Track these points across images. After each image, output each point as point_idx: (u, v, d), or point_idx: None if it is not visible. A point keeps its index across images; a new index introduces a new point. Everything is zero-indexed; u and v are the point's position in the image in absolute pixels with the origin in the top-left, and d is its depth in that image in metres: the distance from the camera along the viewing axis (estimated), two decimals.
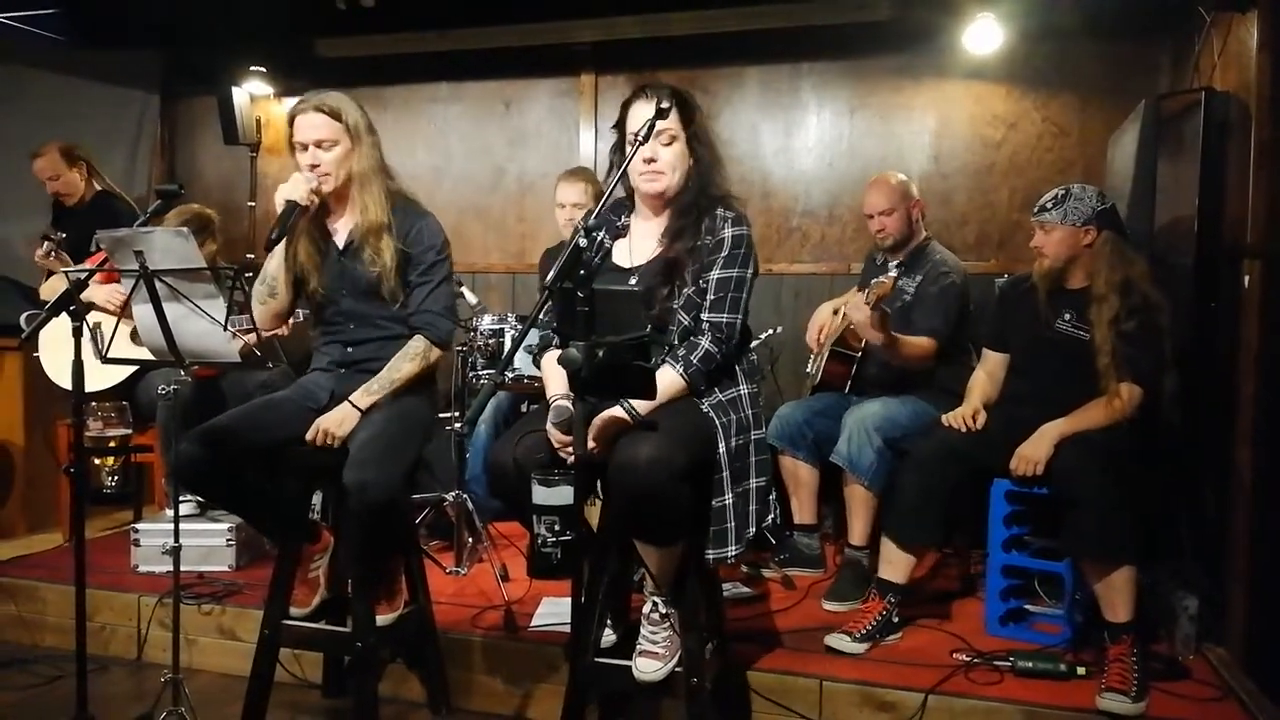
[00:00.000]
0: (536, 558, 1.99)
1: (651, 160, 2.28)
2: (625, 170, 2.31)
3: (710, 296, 2.25)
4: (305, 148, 2.52)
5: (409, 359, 2.56)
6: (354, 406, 2.50)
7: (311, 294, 2.64)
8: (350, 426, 2.48)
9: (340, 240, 2.61)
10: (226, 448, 2.39)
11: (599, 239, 2.42)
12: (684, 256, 2.27)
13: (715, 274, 2.26)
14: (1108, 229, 2.78)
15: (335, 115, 2.50)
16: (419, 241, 2.57)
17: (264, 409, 2.58)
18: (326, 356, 2.68)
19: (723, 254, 2.26)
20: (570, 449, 2.04)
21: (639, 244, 2.39)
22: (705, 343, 2.23)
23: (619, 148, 2.38)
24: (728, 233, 2.27)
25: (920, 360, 3.22)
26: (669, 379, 2.19)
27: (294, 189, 2.46)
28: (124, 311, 2.33)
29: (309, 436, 2.48)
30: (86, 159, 4.23)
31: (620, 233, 2.43)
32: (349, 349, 2.64)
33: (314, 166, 2.51)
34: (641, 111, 2.26)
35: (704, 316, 2.25)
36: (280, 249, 2.56)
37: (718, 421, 2.21)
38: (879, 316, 2.97)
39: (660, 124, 2.20)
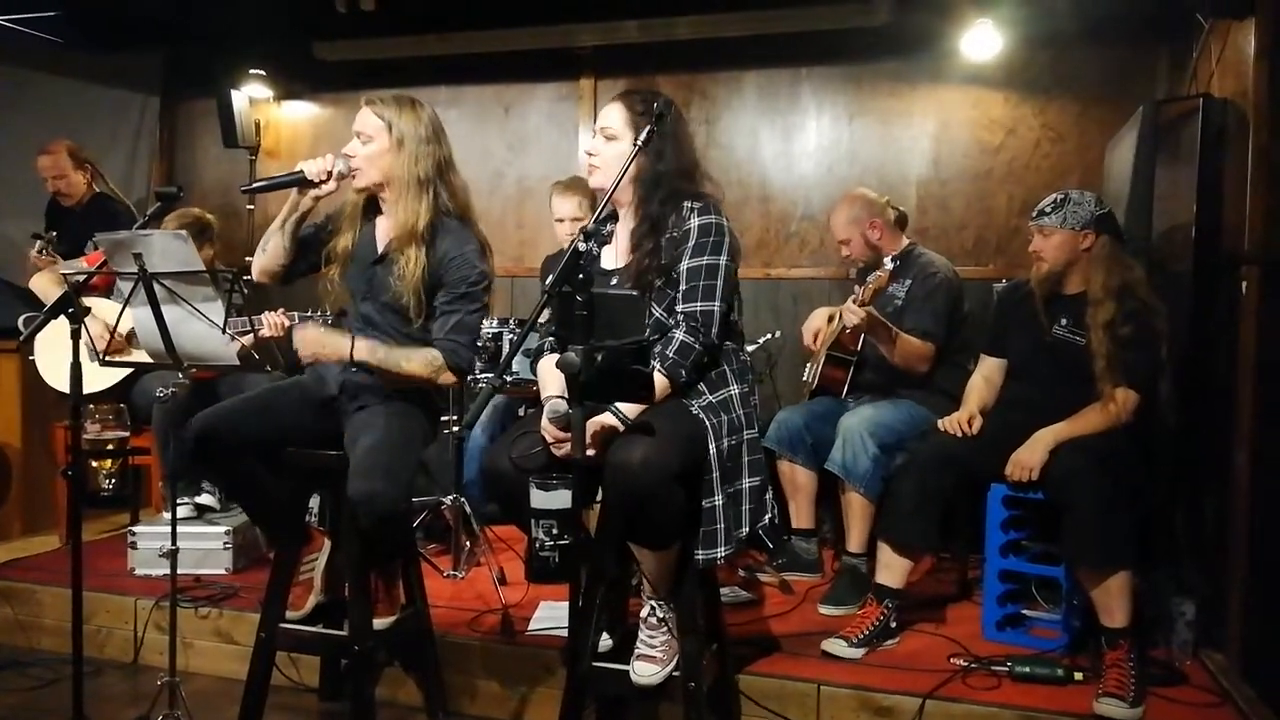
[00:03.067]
0: (534, 561, 1.99)
1: (590, 154, 2.37)
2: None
3: (682, 287, 2.25)
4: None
5: (419, 362, 2.47)
6: (350, 346, 2.44)
7: (331, 282, 2.61)
8: (330, 356, 2.46)
9: (380, 246, 2.59)
10: (235, 431, 2.39)
11: (590, 248, 2.43)
12: (648, 258, 2.28)
13: (685, 264, 2.25)
14: (1106, 234, 2.79)
15: (380, 115, 2.52)
16: (453, 269, 2.51)
17: (275, 394, 2.58)
18: None
19: (690, 243, 2.25)
20: (564, 444, 2.05)
21: (620, 246, 2.41)
22: (680, 334, 2.22)
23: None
24: (694, 222, 2.27)
25: (917, 362, 3.22)
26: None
27: (312, 162, 2.49)
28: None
29: (299, 350, 2.47)
30: (92, 162, 4.24)
31: (607, 239, 2.45)
32: None
33: (350, 156, 2.53)
34: (604, 114, 2.40)
35: (677, 308, 2.25)
36: (280, 216, 2.56)
37: (708, 423, 2.20)
38: (869, 314, 2.97)
39: (604, 123, 2.36)
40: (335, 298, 2.68)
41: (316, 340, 2.47)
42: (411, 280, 2.47)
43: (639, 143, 2.21)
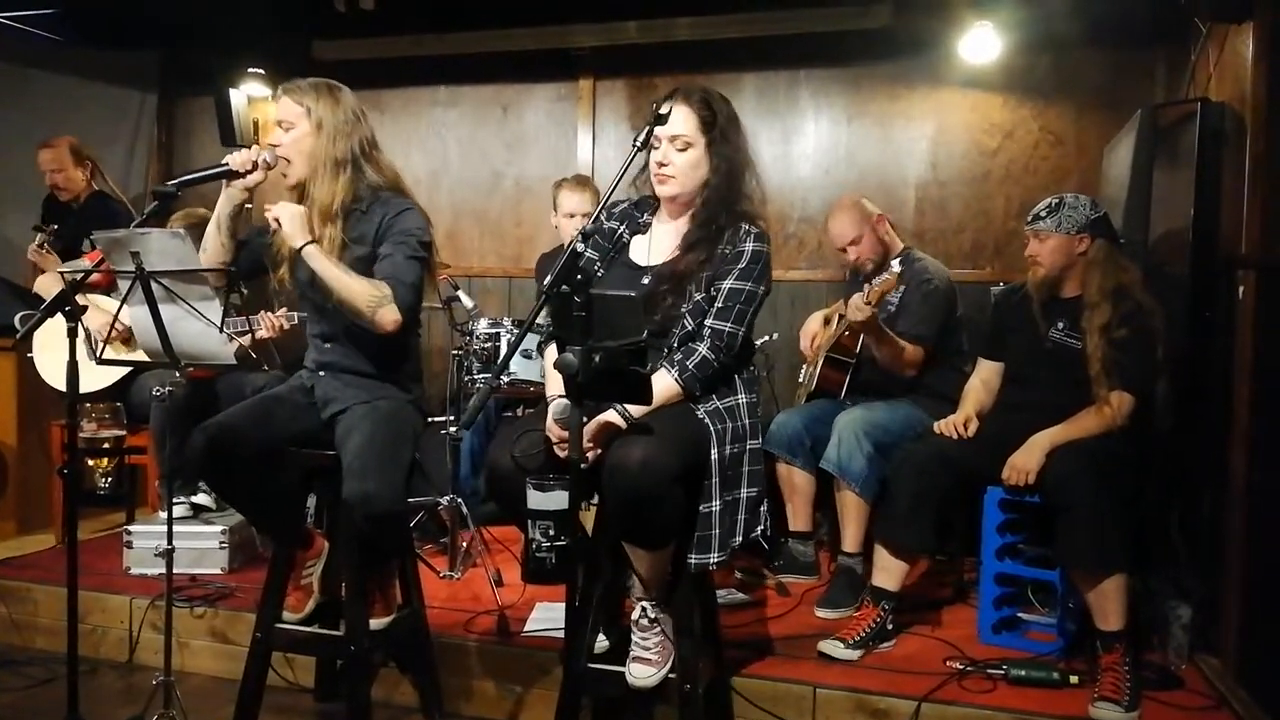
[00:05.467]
0: (530, 562, 1.99)
1: (663, 164, 2.29)
2: (648, 169, 2.33)
3: (718, 304, 2.25)
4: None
5: (364, 285, 2.38)
6: (305, 241, 2.39)
7: (281, 282, 2.60)
8: (287, 232, 2.39)
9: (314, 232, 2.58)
10: (239, 443, 2.38)
11: (618, 231, 2.42)
12: (696, 268, 2.27)
13: (728, 283, 2.25)
14: (1101, 237, 2.79)
15: (299, 101, 2.51)
16: (393, 226, 2.49)
17: (274, 403, 2.57)
18: (312, 352, 2.67)
19: (739, 265, 2.26)
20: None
21: (658, 244, 2.38)
22: (703, 349, 2.23)
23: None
24: (748, 246, 2.27)
25: (908, 366, 3.22)
26: (664, 383, 2.19)
27: (237, 154, 2.49)
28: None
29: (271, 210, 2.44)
30: (93, 159, 4.23)
31: (641, 229, 2.43)
32: (325, 344, 2.61)
33: (275, 145, 2.52)
34: (671, 113, 2.27)
35: (707, 322, 2.25)
36: (215, 214, 2.54)
37: (712, 428, 2.21)
38: (873, 318, 2.98)
39: (676, 130, 2.25)
40: (286, 296, 2.69)
41: (290, 215, 2.40)
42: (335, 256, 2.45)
43: (637, 143, 2.20)
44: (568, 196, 3.79)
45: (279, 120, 2.52)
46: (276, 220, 2.41)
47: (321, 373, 2.61)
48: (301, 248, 2.40)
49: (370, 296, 2.38)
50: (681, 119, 2.28)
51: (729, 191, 2.31)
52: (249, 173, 2.47)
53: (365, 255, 2.49)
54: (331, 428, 2.53)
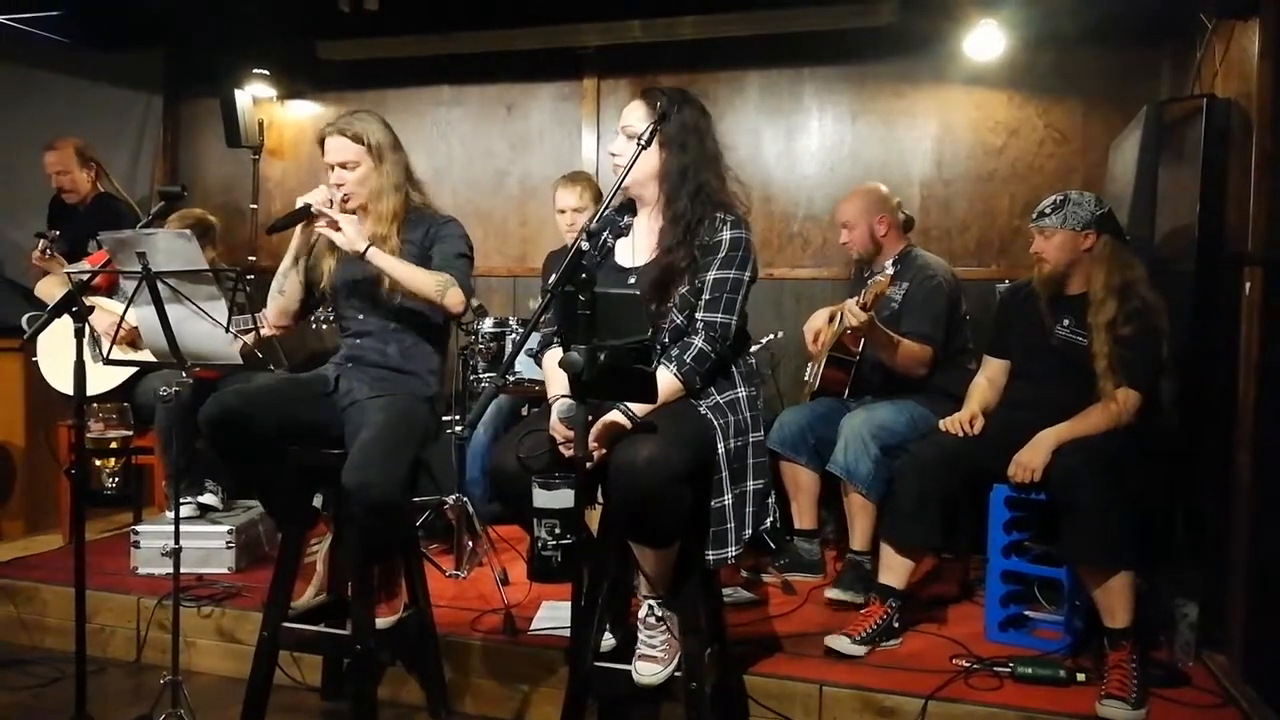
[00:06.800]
0: (536, 561, 1.99)
1: (614, 154, 2.36)
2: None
3: (706, 296, 2.26)
4: (332, 167, 2.66)
5: (428, 274, 2.55)
6: (365, 242, 2.51)
7: (323, 292, 2.73)
8: (347, 238, 2.50)
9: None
10: (252, 421, 2.42)
11: (603, 238, 2.44)
12: (677, 264, 2.27)
13: (712, 274, 2.26)
14: (1107, 233, 2.79)
15: (358, 139, 2.63)
16: (443, 234, 2.67)
17: (294, 385, 2.63)
18: (343, 348, 2.75)
19: (720, 255, 2.27)
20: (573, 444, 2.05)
21: (640, 244, 2.40)
22: (699, 341, 2.23)
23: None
24: (726, 234, 2.28)
25: (916, 365, 3.22)
26: (664, 380, 2.18)
27: (313, 195, 2.58)
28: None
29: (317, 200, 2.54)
30: (98, 161, 4.24)
31: (623, 232, 2.44)
32: (357, 340, 2.69)
33: (339, 185, 2.64)
34: (627, 112, 2.36)
35: (698, 315, 2.25)
36: (291, 254, 2.67)
37: (716, 423, 2.21)
38: (870, 320, 2.98)
39: (626, 121, 2.34)
40: (326, 304, 2.79)
41: (352, 222, 2.53)
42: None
43: (641, 142, 2.21)
44: (560, 192, 3.85)
45: (340, 162, 2.63)
46: (334, 225, 2.51)
47: (349, 364, 2.68)
48: (365, 250, 2.51)
49: (437, 282, 2.55)
50: (635, 112, 2.33)
51: (683, 181, 2.30)
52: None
53: (415, 258, 2.62)
54: (346, 419, 2.57)
